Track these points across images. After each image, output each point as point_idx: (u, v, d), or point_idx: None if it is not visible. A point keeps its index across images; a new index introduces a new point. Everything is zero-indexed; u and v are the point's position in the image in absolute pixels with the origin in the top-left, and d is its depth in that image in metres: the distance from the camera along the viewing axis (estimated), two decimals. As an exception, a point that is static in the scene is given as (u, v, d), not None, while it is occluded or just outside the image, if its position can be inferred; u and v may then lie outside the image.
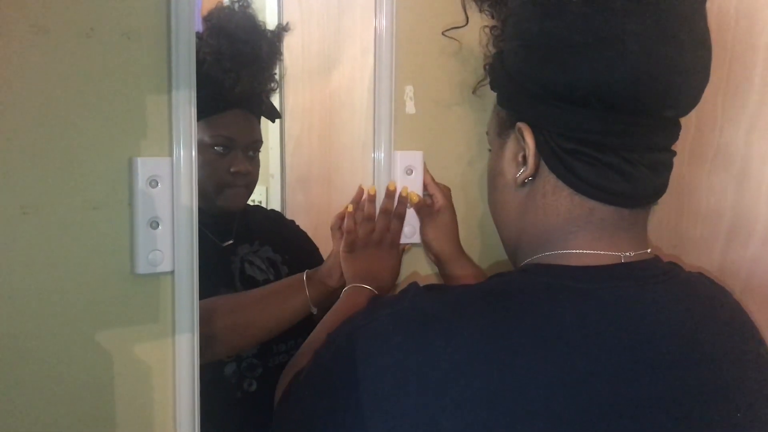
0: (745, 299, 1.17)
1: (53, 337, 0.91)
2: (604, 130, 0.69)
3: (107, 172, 0.91)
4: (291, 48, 1.78)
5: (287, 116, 1.77)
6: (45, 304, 0.89)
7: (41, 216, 0.88)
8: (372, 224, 1.11)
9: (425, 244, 1.19)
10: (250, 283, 1.31)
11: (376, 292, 1.02)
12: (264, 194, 1.83)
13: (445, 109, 1.42)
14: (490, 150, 0.87)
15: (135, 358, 0.97)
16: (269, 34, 1.31)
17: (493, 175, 0.84)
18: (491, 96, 0.92)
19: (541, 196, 0.75)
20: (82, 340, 0.92)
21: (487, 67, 0.90)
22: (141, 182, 0.90)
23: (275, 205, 1.81)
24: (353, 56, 1.59)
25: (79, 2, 0.88)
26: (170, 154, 0.94)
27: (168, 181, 0.92)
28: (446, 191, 1.22)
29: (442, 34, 1.31)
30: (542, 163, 0.75)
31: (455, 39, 1.36)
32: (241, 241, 1.34)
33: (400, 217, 1.13)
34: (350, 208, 1.13)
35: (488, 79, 0.93)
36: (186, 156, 0.94)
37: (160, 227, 0.92)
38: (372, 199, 1.13)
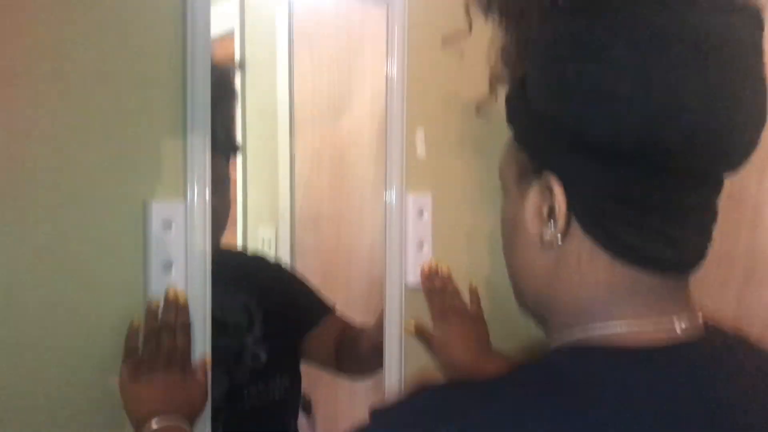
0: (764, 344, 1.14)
1: (63, 384, 0.88)
2: (650, 190, 0.60)
3: (122, 215, 0.90)
4: (301, 92, 1.79)
5: (297, 159, 1.76)
6: (56, 349, 0.87)
7: (55, 258, 0.86)
8: (154, 342, 0.89)
9: (445, 355, 1.12)
10: (222, 328, 1.29)
11: (184, 426, 0.85)
12: (273, 235, 1.82)
13: (456, 152, 1.42)
14: (502, 186, 0.75)
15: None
16: (217, 71, 1.27)
17: (512, 229, 0.71)
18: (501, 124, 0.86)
19: (575, 262, 0.64)
20: (96, 385, 0.90)
21: (505, 97, 0.74)
22: (155, 226, 0.89)
23: (284, 246, 1.80)
24: (364, 100, 1.59)
25: (95, 46, 0.88)
26: (184, 198, 0.93)
27: (182, 225, 0.91)
28: (476, 296, 1.17)
29: (442, 43, 1.27)
30: (574, 222, 0.63)
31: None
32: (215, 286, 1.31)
33: (185, 329, 0.92)
34: (135, 323, 0.90)
35: (496, 101, 0.79)
36: (200, 199, 0.93)
37: (173, 270, 0.91)
38: (154, 313, 0.91)
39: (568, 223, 0.64)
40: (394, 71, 1.35)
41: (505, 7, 0.69)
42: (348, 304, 1.58)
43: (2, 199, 0.83)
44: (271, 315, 1.32)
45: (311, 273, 1.72)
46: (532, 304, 0.72)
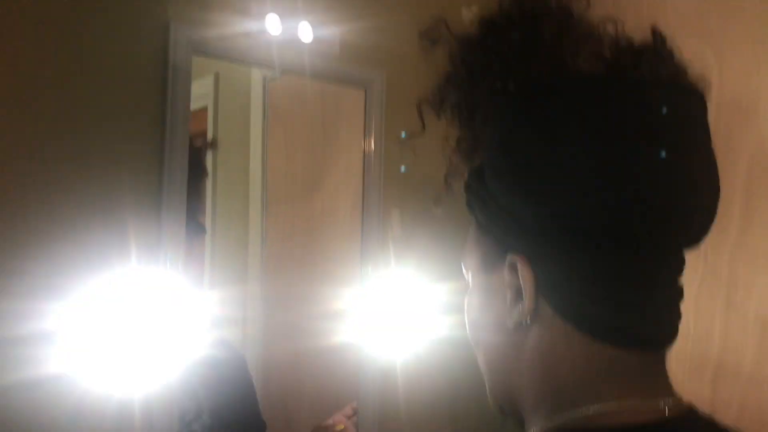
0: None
1: None
2: (620, 268, 0.59)
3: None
4: (275, 172, 1.77)
5: (269, 237, 1.73)
6: None
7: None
8: None
9: None
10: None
11: None
12: (242, 315, 1.77)
13: (433, 232, 1.42)
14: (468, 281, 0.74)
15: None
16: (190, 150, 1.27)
17: (478, 316, 0.69)
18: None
19: (548, 345, 0.62)
20: None
21: (463, 186, 0.73)
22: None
23: (255, 326, 1.74)
24: (337, 180, 1.58)
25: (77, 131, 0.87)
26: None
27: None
28: None
29: (401, 139, 1.29)
30: (543, 303, 0.62)
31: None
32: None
33: None
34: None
35: (456, 196, 0.77)
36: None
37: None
38: None
39: (536, 304, 0.62)
40: (372, 149, 1.36)
41: (458, 106, 0.69)
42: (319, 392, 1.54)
43: None
44: (218, 409, 1.32)
45: (281, 355, 1.67)
46: (505, 394, 0.69)
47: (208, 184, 1.96)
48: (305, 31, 1.26)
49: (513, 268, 0.62)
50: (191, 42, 1.08)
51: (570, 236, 0.59)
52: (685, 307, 1.31)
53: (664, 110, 0.58)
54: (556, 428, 0.62)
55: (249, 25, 1.19)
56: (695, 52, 0.67)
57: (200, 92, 1.84)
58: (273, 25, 1.21)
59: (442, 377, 1.40)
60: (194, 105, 1.90)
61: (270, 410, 1.70)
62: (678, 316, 0.65)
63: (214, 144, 1.62)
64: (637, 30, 0.64)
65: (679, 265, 0.65)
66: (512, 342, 0.65)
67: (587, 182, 0.56)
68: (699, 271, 1.28)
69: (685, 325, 1.30)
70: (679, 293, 0.65)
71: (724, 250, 1.25)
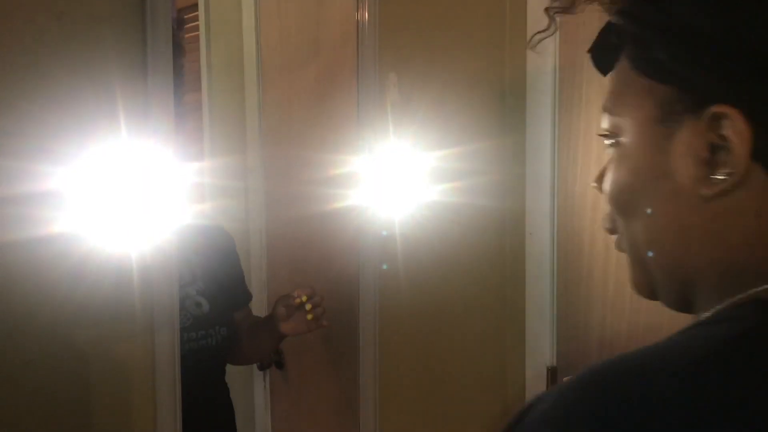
0: None
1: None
2: None
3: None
4: (268, 41, 1.74)
5: (265, 111, 1.72)
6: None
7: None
8: None
9: None
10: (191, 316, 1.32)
11: None
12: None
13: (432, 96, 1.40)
14: (610, 136, 0.61)
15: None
16: None
17: (639, 179, 0.57)
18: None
19: (754, 215, 0.52)
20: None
21: (613, 19, 0.58)
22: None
23: (259, 196, 1.76)
24: (334, 47, 1.55)
25: None
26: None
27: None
28: None
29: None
30: (755, 165, 0.51)
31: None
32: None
33: None
34: None
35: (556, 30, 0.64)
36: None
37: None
38: None
39: (747, 167, 0.50)
40: (366, 18, 1.32)
41: None
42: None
43: None
44: (210, 275, 1.38)
45: (283, 223, 1.69)
46: (671, 273, 0.58)
47: (202, 56, 1.92)
48: None
49: (715, 122, 0.51)
50: None
51: None
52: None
53: None
54: (733, 305, 0.52)
55: None
56: None
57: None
58: None
59: (439, 242, 1.42)
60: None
61: (274, 278, 1.75)
62: None
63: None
64: None
65: None
66: (699, 213, 0.54)
67: None
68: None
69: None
70: None
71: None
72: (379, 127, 1.33)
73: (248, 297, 1.52)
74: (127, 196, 1.02)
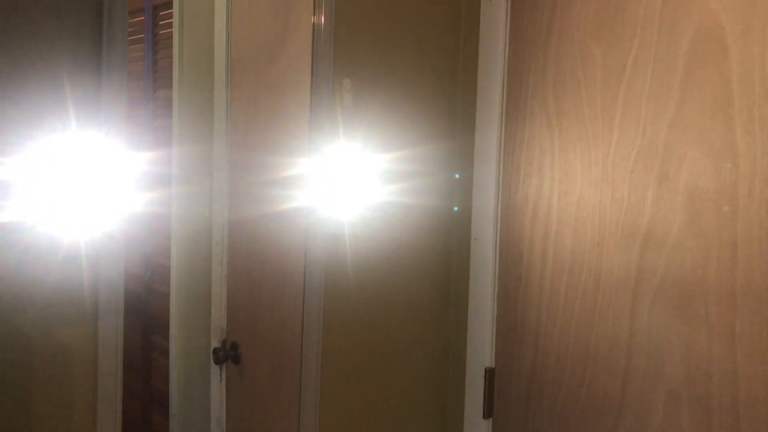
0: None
1: None
2: None
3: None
4: (238, 40, 1.80)
5: (233, 105, 1.78)
6: None
7: None
8: None
9: None
10: None
11: None
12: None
13: (383, 101, 1.46)
14: None
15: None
16: None
17: None
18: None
19: None
20: None
21: None
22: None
23: (223, 185, 1.82)
24: (298, 50, 1.61)
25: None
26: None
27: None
28: None
29: None
30: None
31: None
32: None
33: None
34: None
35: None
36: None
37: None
38: None
39: None
40: (322, 22, 1.38)
41: None
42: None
43: None
44: None
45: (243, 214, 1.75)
46: None
47: (175, 53, 1.98)
48: None
49: None
50: None
51: None
52: (621, 179, 1.37)
53: None
54: None
55: None
56: None
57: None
58: None
59: (387, 242, 1.49)
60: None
61: (233, 270, 1.81)
62: None
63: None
64: None
65: None
66: None
67: None
68: (636, 145, 1.32)
69: (619, 196, 1.37)
70: None
71: (661, 125, 1.28)
72: (329, 130, 1.40)
73: None
74: (76, 184, 1.09)
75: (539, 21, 1.48)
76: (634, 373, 1.33)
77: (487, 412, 1.60)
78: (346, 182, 1.43)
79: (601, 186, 1.38)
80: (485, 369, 1.60)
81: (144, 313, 2.03)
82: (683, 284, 1.26)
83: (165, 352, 1.91)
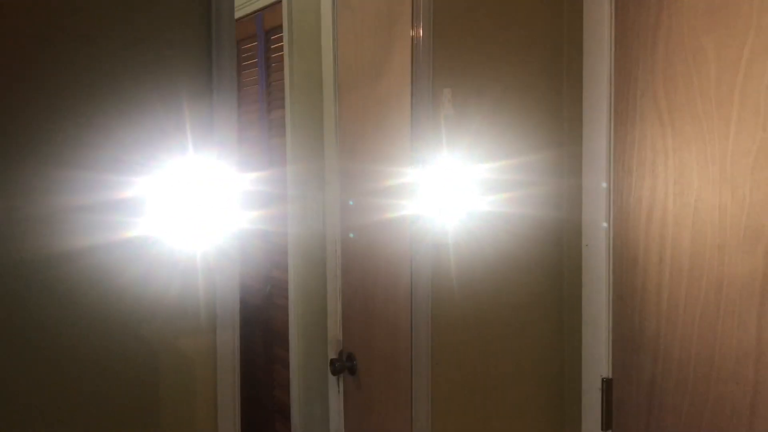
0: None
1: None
2: None
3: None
4: (345, 60, 1.86)
5: (341, 123, 1.84)
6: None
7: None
8: None
9: None
10: None
11: None
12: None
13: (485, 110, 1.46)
14: None
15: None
16: None
17: None
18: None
19: None
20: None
21: None
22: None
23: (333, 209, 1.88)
24: (402, 64, 1.65)
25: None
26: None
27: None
28: None
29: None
30: None
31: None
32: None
33: None
34: None
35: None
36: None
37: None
38: None
39: None
40: (420, 35, 1.40)
41: None
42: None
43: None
44: None
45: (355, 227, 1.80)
46: None
47: (286, 75, 2.08)
48: None
49: None
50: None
51: None
52: (741, 177, 1.31)
53: None
54: None
55: None
56: None
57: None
58: None
59: (494, 252, 1.48)
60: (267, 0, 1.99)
61: (346, 283, 1.86)
62: None
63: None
64: None
65: None
66: None
67: None
68: (756, 140, 1.24)
69: (740, 196, 1.30)
70: None
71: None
72: (431, 139, 1.41)
73: None
74: (192, 203, 1.16)
75: (646, 16, 1.43)
76: (765, 384, 1.24)
77: (606, 424, 1.54)
78: (449, 191, 1.44)
79: (720, 185, 1.30)
80: (602, 379, 1.54)
81: (265, 326, 2.12)
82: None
83: (286, 364, 1.99)
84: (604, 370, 1.54)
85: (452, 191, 1.44)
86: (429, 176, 1.42)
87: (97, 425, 1.05)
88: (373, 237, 1.69)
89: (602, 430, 1.55)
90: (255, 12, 2.07)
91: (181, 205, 1.15)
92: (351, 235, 1.49)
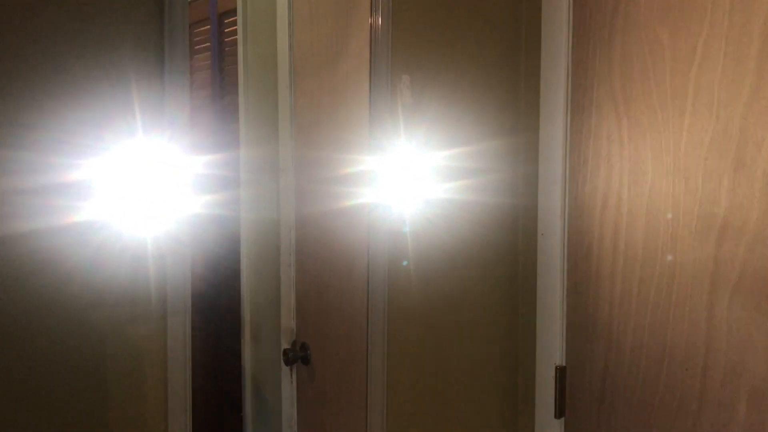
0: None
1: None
2: None
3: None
4: (300, 45, 1.83)
5: (296, 109, 1.81)
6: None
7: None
8: None
9: None
10: None
11: None
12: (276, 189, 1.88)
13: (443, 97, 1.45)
14: None
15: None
16: None
17: None
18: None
19: None
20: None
21: None
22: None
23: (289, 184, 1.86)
24: (358, 50, 1.63)
25: None
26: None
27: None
28: None
29: None
30: None
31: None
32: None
33: None
34: None
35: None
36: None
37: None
38: None
39: None
40: (379, 21, 1.39)
41: None
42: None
43: None
44: None
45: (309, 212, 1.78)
46: None
47: (240, 59, 2.03)
48: None
49: None
50: None
51: None
52: (694, 167, 1.32)
53: None
54: None
55: None
56: None
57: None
58: None
59: (451, 239, 1.48)
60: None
61: (301, 271, 1.84)
62: None
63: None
64: None
65: None
66: None
67: None
68: (709, 131, 1.27)
69: (693, 186, 1.32)
70: None
71: (736, 109, 1.23)
72: (389, 126, 1.40)
73: None
74: (142, 186, 1.12)
75: (603, 7, 1.44)
76: (714, 370, 1.27)
77: (559, 412, 1.56)
78: (408, 179, 1.43)
79: (674, 175, 1.33)
80: (556, 367, 1.56)
81: (216, 315, 2.08)
82: (765, 276, 1.20)
83: (237, 354, 1.95)
84: (558, 358, 1.56)
85: (410, 179, 1.43)
86: (387, 164, 1.41)
87: (39, 412, 1.01)
88: (329, 225, 1.67)
89: (555, 417, 1.57)
90: (208, -6, 2.02)
91: (131, 189, 1.11)
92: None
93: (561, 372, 1.56)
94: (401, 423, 1.46)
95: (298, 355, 1.79)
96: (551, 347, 1.57)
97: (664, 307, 1.34)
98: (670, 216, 1.34)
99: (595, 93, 1.46)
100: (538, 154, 1.58)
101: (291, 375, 1.88)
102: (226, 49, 2.01)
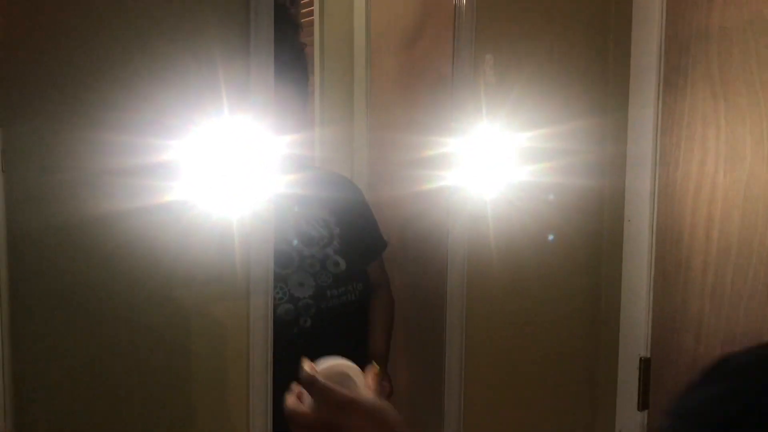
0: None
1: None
2: None
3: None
4: (378, 22, 1.82)
5: (372, 89, 1.80)
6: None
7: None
8: None
9: None
10: (308, 240, 1.43)
11: None
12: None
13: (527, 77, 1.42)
14: None
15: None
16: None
17: None
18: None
19: None
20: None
21: None
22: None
23: (363, 164, 1.86)
24: (435, 29, 1.61)
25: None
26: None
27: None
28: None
29: None
30: None
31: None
32: (299, 202, 1.42)
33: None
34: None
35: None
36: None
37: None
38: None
39: None
40: (463, 1, 1.36)
41: None
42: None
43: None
44: (346, 232, 1.49)
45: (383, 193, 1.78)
46: None
47: (316, 38, 2.04)
48: None
49: None
50: None
51: None
52: None
53: None
54: None
55: None
56: None
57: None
58: None
59: (531, 219, 1.45)
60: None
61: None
62: None
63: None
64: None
65: None
66: None
67: None
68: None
69: None
70: None
71: None
72: (471, 107, 1.37)
73: (382, 246, 1.60)
74: (227, 166, 1.13)
75: (701, -18, 1.37)
76: (815, 368, 1.21)
77: (643, 404, 1.52)
78: (489, 161, 1.40)
79: (775, 161, 1.26)
80: (640, 358, 1.52)
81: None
82: None
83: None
84: (643, 349, 1.51)
85: (492, 161, 1.40)
86: (468, 146, 1.38)
87: (130, 385, 1.04)
88: (406, 208, 1.66)
89: (638, 410, 1.53)
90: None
91: (217, 169, 1.12)
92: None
93: (645, 363, 1.51)
94: (477, 410, 1.44)
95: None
96: (636, 337, 1.52)
97: (762, 300, 1.28)
98: (770, 204, 1.27)
99: (689, 73, 1.39)
100: (626, 134, 1.52)
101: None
102: (305, 28, 2.02)
